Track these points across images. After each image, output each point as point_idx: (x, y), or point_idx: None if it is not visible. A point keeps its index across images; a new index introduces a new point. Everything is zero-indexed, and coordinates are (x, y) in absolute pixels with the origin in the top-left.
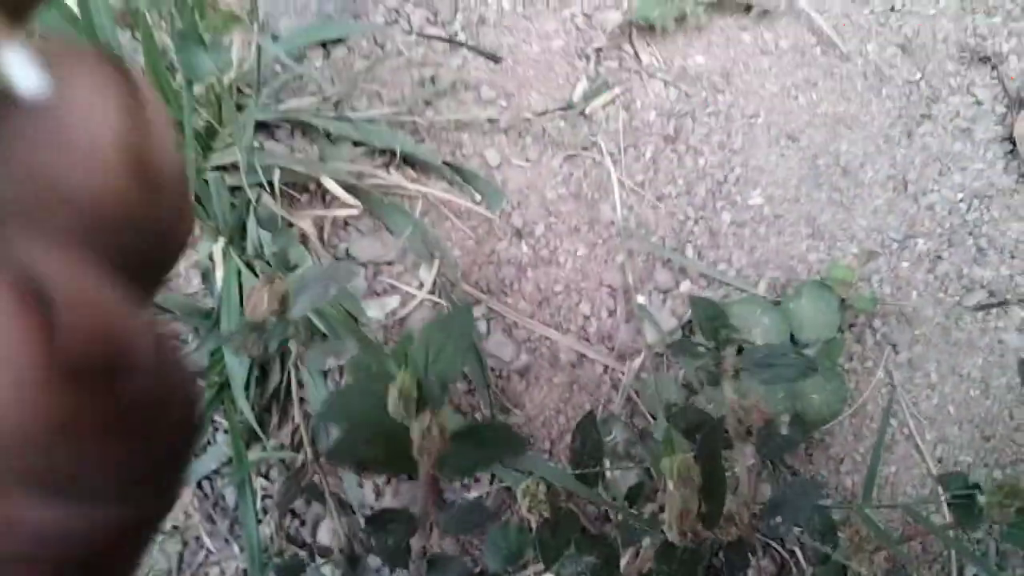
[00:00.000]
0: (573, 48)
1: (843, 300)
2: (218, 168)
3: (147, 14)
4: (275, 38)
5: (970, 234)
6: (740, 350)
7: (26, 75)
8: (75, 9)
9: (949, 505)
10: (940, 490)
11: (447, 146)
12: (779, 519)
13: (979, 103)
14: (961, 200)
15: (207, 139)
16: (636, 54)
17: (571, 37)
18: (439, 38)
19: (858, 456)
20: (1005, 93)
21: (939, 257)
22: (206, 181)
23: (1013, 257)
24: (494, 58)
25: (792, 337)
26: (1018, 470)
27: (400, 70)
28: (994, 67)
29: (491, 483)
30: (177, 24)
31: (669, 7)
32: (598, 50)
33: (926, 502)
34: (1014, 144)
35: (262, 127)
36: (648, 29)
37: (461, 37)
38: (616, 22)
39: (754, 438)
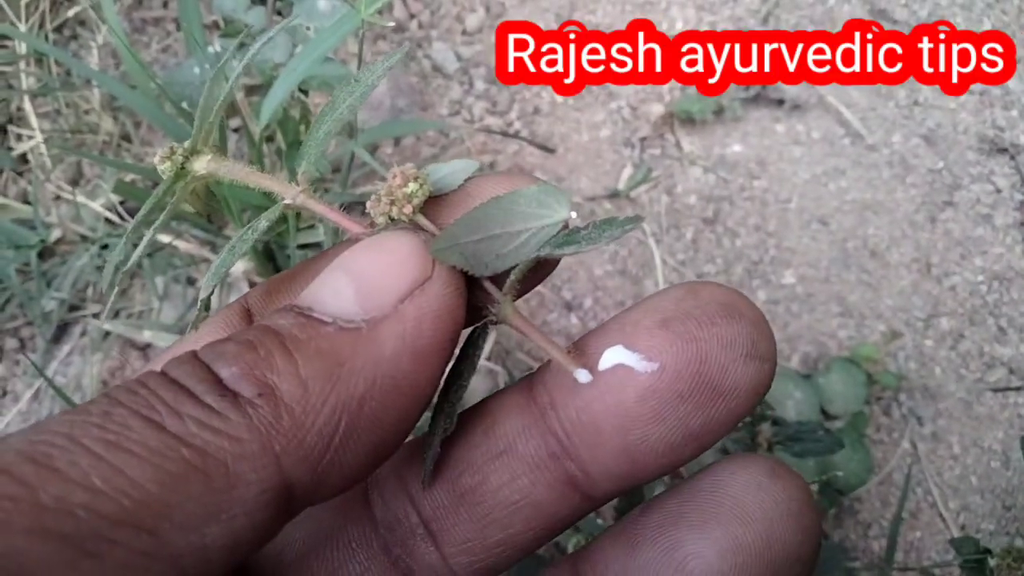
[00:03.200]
0: (619, 137)
1: (870, 376)
2: (302, 247)
3: (255, 128)
4: (352, 132)
5: (991, 314)
6: (776, 422)
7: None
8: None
9: (962, 567)
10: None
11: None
12: None
13: (998, 191)
14: (982, 282)
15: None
16: (678, 143)
17: (618, 127)
18: (499, 132)
19: (885, 522)
20: (1022, 181)
21: (961, 336)
22: (288, 256)
23: None
24: (547, 149)
25: (823, 409)
26: None
27: (462, 157)
28: (1012, 157)
29: None
30: (280, 135)
31: (708, 101)
32: (643, 139)
33: (944, 565)
34: None
35: (341, 207)
36: (689, 120)
37: (517, 126)
38: (659, 114)
39: None
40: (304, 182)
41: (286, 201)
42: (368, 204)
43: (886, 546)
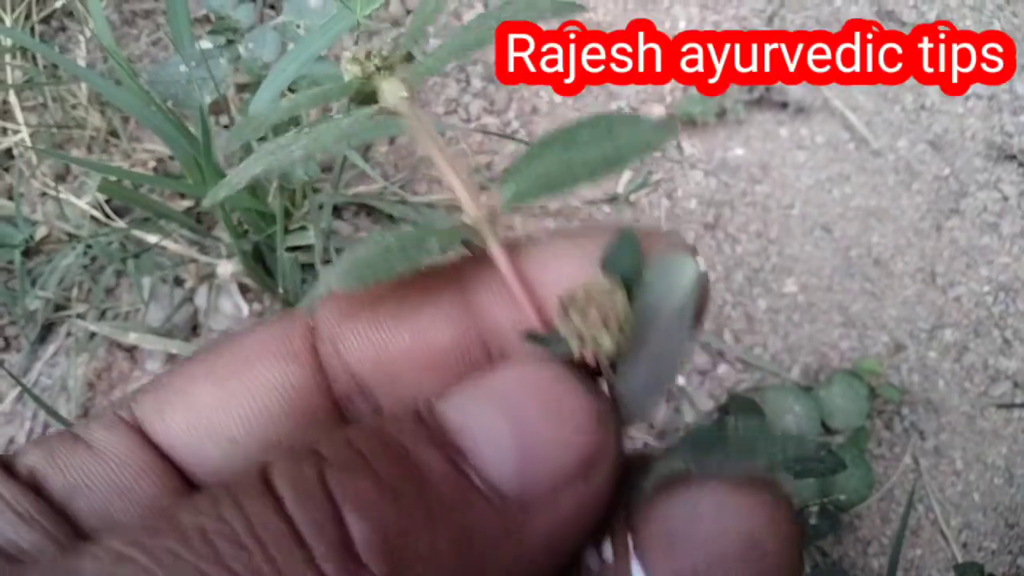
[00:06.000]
0: None
1: (872, 389)
2: (291, 248)
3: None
4: None
5: (996, 326)
6: None
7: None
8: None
9: None
10: None
11: (500, 229)
12: None
13: (1005, 199)
14: (988, 292)
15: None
16: (679, 145)
17: None
18: (496, 133)
19: (885, 539)
20: None
21: (966, 348)
22: (279, 258)
23: None
24: None
25: (823, 424)
26: None
27: (458, 157)
28: (1020, 164)
29: None
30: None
31: (710, 103)
32: None
33: None
34: None
35: (332, 209)
36: (690, 122)
37: (515, 125)
38: (660, 115)
39: None
40: (496, 203)
41: (466, 221)
42: (555, 313)
43: (887, 565)
